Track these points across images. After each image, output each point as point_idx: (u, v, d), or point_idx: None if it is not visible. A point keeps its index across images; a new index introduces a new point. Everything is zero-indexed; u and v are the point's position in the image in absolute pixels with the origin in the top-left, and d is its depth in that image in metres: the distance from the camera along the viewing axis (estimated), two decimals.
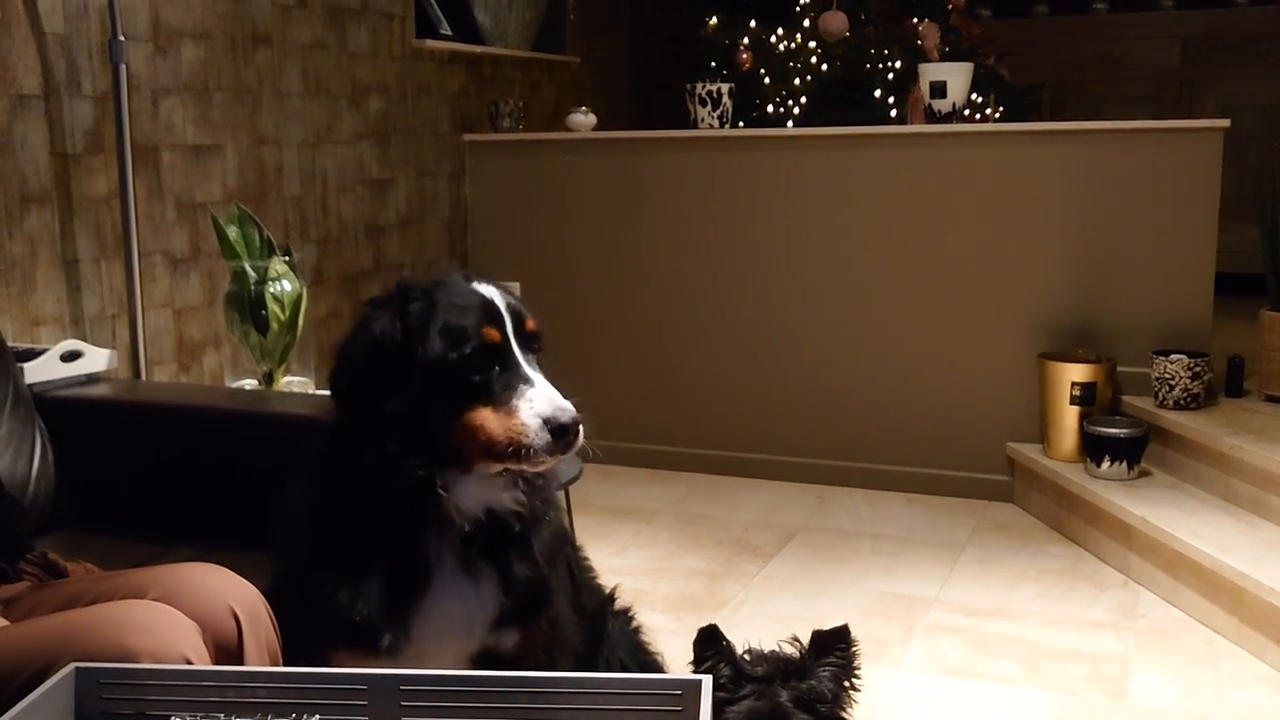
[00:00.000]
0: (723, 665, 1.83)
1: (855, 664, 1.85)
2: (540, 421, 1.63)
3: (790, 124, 4.99)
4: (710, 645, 1.87)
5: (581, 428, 1.66)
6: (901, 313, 4.24)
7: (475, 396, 1.65)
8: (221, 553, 1.92)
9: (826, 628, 1.87)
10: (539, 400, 1.64)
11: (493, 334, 1.67)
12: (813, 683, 1.79)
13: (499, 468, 1.69)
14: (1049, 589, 3.37)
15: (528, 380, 1.66)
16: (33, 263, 3.00)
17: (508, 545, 1.76)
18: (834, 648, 1.84)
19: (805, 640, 1.87)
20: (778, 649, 1.87)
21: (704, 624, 1.90)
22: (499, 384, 1.65)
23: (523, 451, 1.63)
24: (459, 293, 1.71)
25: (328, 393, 1.81)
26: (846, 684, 1.83)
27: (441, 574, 1.73)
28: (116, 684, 1.34)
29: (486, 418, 1.65)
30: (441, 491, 1.68)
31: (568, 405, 1.65)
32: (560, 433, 1.63)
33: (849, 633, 1.86)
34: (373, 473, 1.69)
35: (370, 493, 1.71)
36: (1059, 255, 4.02)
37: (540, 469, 1.70)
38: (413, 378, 1.65)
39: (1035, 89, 5.90)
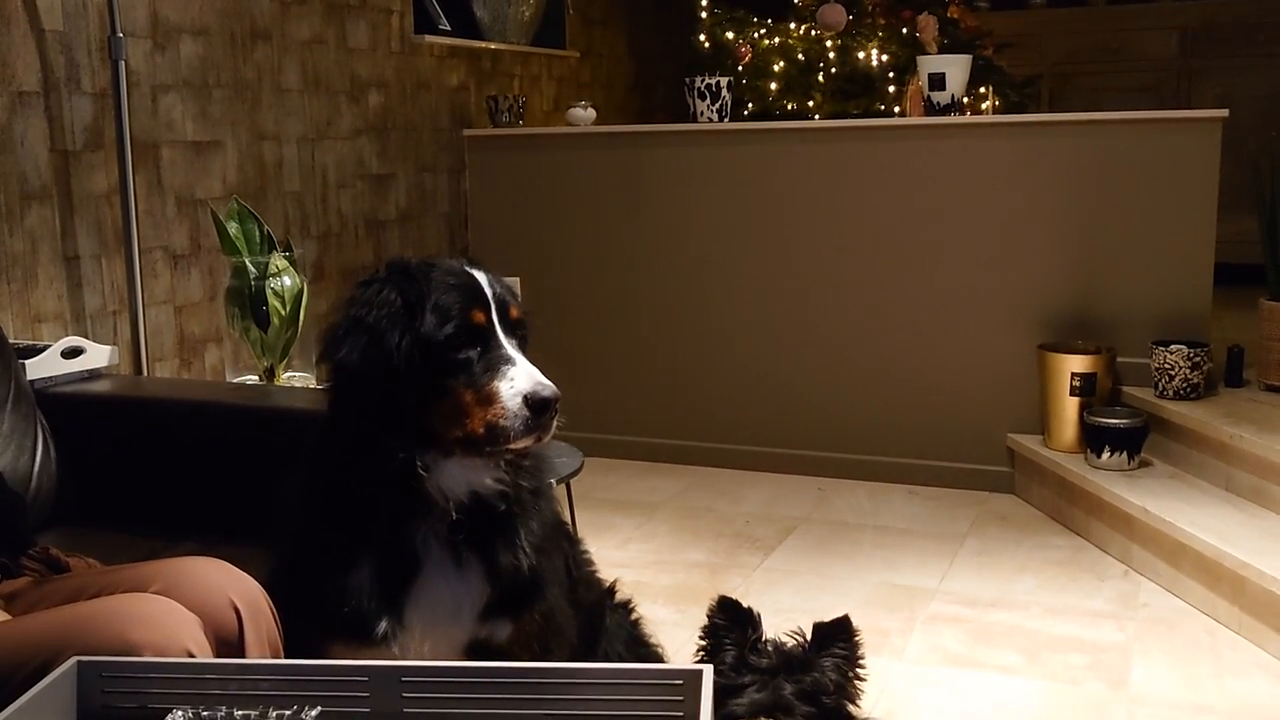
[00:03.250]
0: (727, 645, 1.83)
1: (859, 654, 1.85)
2: (520, 401, 1.65)
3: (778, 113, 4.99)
4: (725, 614, 1.87)
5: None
6: (901, 304, 4.24)
7: (456, 375, 1.67)
8: (223, 547, 1.92)
9: (828, 619, 1.88)
10: (520, 378, 1.66)
11: (478, 316, 1.70)
12: (816, 675, 1.79)
13: (478, 451, 1.69)
14: (1050, 579, 3.38)
15: (510, 360, 1.68)
16: (34, 259, 3.00)
17: (494, 535, 1.77)
18: (836, 639, 1.85)
19: (808, 632, 1.87)
20: (780, 641, 1.87)
21: (704, 619, 1.90)
22: (480, 364, 1.68)
23: (499, 433, 1.65)
24: (452, 272, 1.74)
25: (324, 381, 1.82)
26: (850, 674, 1.83)
27: (429, 564, 1.74)
28: (119, 677, 1.34)
29: (466, 397, 1.66)
30: (422, 472, 1.69)
31: (548, 382, 1.67)
32: (541, 408, 1.65)
33: (850, 623, 1.86)
34: (358, 458, 1.70)
35: (357, 479, 1.72)
36: (1058, 246, 4.02)
37: (518, 448, 1.70)
38: (405, 350, 1.66)
39: (1034, 80, 5.90)
